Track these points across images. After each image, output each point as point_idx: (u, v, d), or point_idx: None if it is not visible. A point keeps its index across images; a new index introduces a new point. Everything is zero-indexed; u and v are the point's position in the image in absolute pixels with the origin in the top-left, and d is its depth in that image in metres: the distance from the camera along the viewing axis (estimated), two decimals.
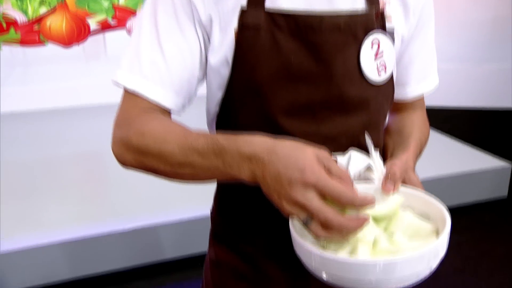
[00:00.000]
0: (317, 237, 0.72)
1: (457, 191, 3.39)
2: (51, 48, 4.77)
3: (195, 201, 2.54)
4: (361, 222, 0.71)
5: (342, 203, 0.71)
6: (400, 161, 0.87)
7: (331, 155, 0.76)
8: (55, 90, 4.92)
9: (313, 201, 0.70)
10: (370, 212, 0.76)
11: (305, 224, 0.71)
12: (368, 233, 0.76)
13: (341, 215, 0.71)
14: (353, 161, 0.87)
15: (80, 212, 2.96)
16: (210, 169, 0.78)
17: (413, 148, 0.95)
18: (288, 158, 0.71)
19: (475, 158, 3.66)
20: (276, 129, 0.90)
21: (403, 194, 0.83)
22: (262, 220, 1.01)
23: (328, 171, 0.72)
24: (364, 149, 0.91)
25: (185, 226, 2.90)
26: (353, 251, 0.76)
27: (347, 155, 0.89)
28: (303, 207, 0.70)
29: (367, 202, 0.72)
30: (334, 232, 0.71)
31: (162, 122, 0.86)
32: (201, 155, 0.78)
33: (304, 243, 0.74)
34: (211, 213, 1.13)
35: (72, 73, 4.99)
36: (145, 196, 3.09)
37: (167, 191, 2.89)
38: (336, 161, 0.77)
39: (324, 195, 0.71)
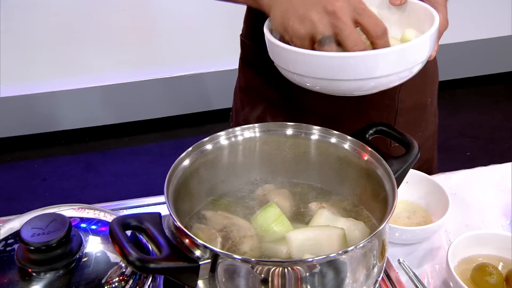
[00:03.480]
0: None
1: None
2: None
3: None
4: None
5: (375, 33, 0.66)
6: None
7: None
8: None
9: (349, 17, 0.65)
10: None
11: (321, 42, 0.66)
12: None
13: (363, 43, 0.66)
14: None
15: (126, 57, 2.89)
16: None
17: None
18: None
19: None
20: None
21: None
22: None
23: None
24: None
25: (232, 75, 2.77)
26: None
27: None
28: (335, 19, 0.65)
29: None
30: None
31: None
32: None
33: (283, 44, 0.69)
34: (241, 36, 1.09)
35: None
36: (191, 44, 2.92)
37: (213, 40, 2.72)
38: None
39: (357, 21, 0.66)
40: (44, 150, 2.77)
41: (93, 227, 0.75)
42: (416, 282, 0.84)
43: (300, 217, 0.71)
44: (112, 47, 2.73)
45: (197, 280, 0.54)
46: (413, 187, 0.98)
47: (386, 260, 0.63)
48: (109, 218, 0.77)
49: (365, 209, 0.71)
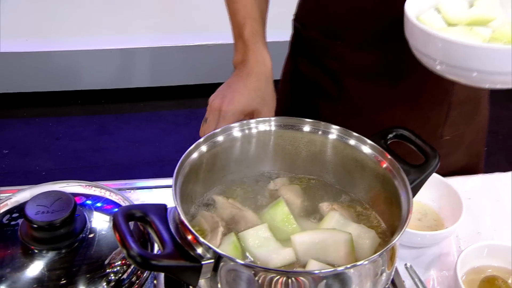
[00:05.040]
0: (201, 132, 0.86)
1: None
2: None
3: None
4: None
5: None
6: None
7: None
8: None
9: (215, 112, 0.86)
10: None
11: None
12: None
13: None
14: None
15: (148, 22, 2.84)
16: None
17: None
18: (246, 86, 0.85)
19: None
20: None
21: None
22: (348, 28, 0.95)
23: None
24: None
25: None
26: None
27: None
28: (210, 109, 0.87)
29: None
30: None
31: None
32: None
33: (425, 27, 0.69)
34: (293, 20, 1.07)
35: None
36: (213, 13, 2.85)
37: None
38: None
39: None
40: (59, 109, 2.78)
41: (98, 204, 0.74)
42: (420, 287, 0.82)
43: (309, 216, 0.69)
44: (136, 10, 2.69)
45: (198, 280, 0.52)
46: (426, 188, 0.94)
47: (394, 268, 0.61)
48: (115, 198, 0.76)
49: (377, 214, 0.69)
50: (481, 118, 1.10)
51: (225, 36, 3.05)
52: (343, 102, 1.02)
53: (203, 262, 0.52)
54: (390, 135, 0.68)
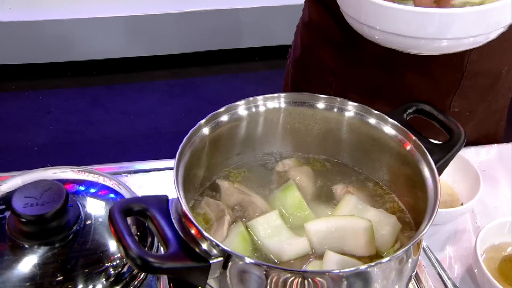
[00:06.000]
0: None
1: None
2: None
3: None
4: None
5: None
6: None
7: None
8: None
9: None
10: None
11: None
12: None
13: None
14: None
15: None
16: None
17: None
18: None
19: None
20: None
21: None
22: None
23: None
24: None
25: (244, 14, 2.64)
26: None
27: None
28: None
29: None
30: None
31: None
32: None
33: None
34: None
35: None
36: None
37: None
38: None
39: None
40: (49, 81, 2.69)
41: (92, 190, 0.69)
42: (438, 269, 0.78)
43: (322, 200, 0.64)
44: None
45: (207, 280, 0.47)
46: None
47: (420, 254, 0.56)
48: (109, 183, 0.70)
49: (396, 196, 0.64)
50: (500, 99, 1.03)
51: (218, 2, 2.94)
52: (352, 54, 0.97)
53: (211, 261, 0.46)
54: (410, 110, 0.62)
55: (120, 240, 0.45)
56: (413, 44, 0.66)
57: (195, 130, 0.58)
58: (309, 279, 0.45)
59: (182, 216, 0.50)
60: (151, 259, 0.44)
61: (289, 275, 0.46)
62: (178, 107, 2.50)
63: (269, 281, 0.46)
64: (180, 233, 0.48)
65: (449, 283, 0.76)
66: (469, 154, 0.92)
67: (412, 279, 0.69)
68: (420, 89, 0.95)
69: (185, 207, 0.49)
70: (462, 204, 0.86)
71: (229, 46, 2.73)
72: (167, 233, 0.47)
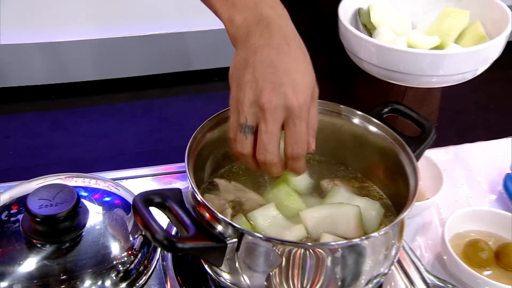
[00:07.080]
0: (241, 152, 0.58)
1: None
2: None
3: None
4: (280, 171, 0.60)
5: (291, 152, 0.58)
6: None
7: None
8: None
9: (277, 121, 0.55)
10: None
11: (243, 129, 0.56)
12: None
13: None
14: None
15: (97, 12, 2.76)
16: None
17: None
18: (297, 59, 0.56)
19: None
20: None
21: None
22: None
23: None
24: None
25: (208, 36, 2.71)
26: None
27: None
28: (264, 112, 0.54)
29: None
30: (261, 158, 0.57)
31: None
32: None
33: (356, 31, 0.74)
34: None
35: None
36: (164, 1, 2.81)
37: None
38: None
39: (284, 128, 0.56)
40: (7, 106, 2.65)
41: (96, 195, 0.73)
42: (412, 257, 0.86)
43: (312, 193, 0.71)
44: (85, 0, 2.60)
45: (223, 260, 0.53)
46: None
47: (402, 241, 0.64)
48: (103, 186, 0.75)
49: (378, 187, 0.71)
50: (433, 101, 1.14)
51: (177, 25, 2.99)
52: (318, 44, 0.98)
53: (228, 242, 0.52)
54: (386, 109, 0.71)
55: (146, 226, 0.50)
56: (407, 78, 0.75)
57: (200, 130, 0.64)
58: (310, 250, 0.52)
59: (196, 205, 0.56)
60: (175, 240, 0.49)
61: (295, 248, 0.52)
62: (141, 128, 2.53)
63: (277, 256, 0.52)
64: (197, 218, 0.54)
65: (422, 269, 0.84)
66: (429, 155, 1.01)
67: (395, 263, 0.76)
68: (371, 97, 1.01)
69: (199, 197, 0.55)
70: (427, 198, 0.95)
71: (190, 68, 2.79)
72: (185, 220, 0.53)
